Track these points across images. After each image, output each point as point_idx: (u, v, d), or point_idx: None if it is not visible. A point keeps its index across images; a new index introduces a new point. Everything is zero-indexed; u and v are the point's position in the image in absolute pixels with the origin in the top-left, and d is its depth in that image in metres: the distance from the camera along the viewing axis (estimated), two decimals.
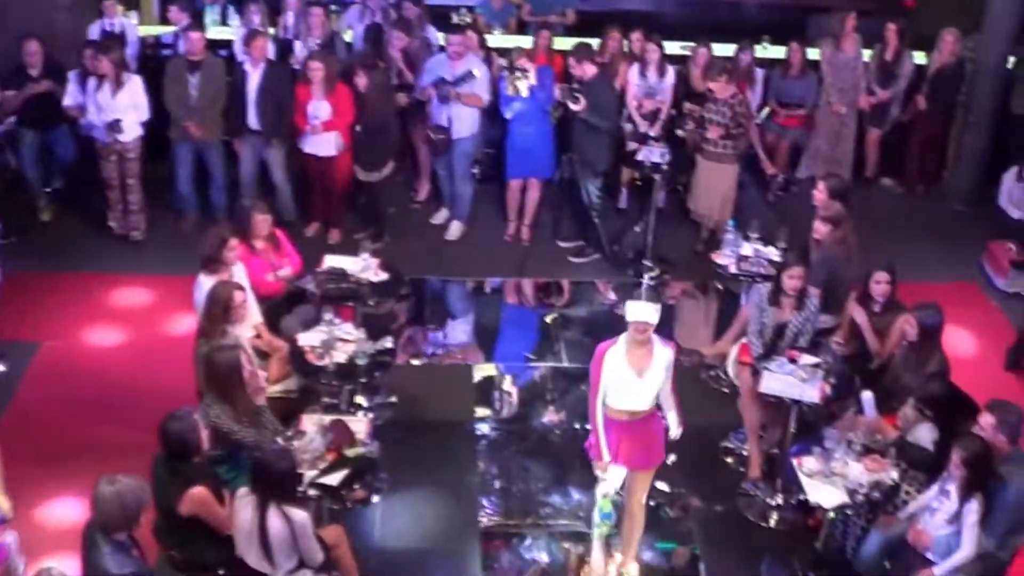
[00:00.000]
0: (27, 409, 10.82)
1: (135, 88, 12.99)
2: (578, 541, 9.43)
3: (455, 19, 14.69)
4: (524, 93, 12.84)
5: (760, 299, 9.86)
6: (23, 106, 13.55)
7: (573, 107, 12.56)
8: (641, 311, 8.42)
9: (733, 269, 11.22)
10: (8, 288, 11.54)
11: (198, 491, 7.69)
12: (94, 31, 14.46)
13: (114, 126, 12.83)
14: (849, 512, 8.69)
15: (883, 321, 9.83)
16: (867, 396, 9.08)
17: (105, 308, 12.34)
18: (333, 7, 15.24)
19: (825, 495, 8.47)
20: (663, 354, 8.53)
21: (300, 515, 7.55)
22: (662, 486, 9.87)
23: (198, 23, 14.50)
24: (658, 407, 8.66)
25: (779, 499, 9.75)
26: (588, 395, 8.60)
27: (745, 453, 10.25)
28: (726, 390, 11.08)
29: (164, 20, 15.63)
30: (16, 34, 13.78)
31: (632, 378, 8.41)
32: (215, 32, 15.31)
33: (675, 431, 8.75)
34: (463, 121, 13.33)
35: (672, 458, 9.56)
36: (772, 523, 9.72)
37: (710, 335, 12.23)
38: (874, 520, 8.68)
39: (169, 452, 7.75)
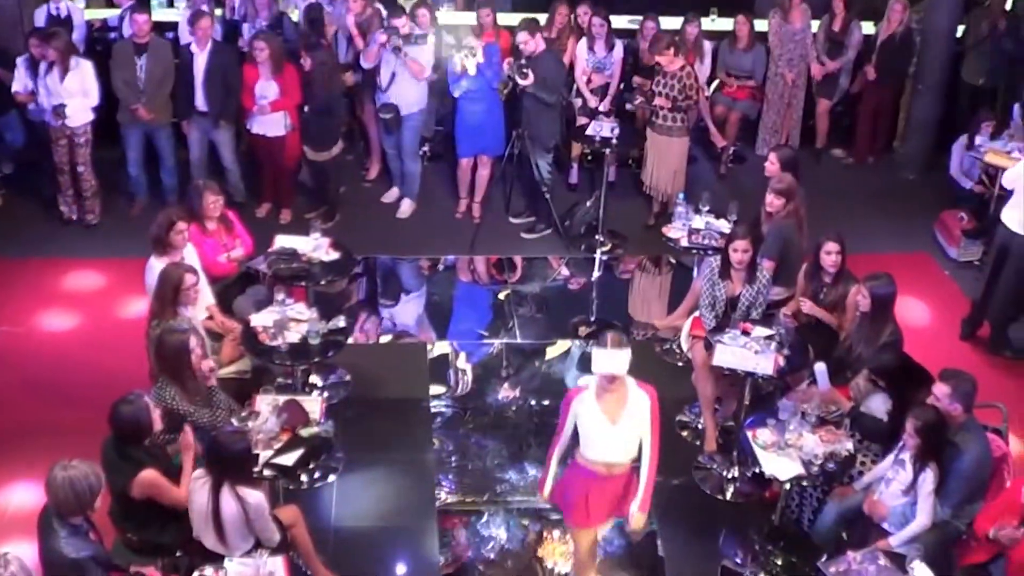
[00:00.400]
0: None
1: (84, 73, 12.88)
2: (535, 517, 9.46)
3: None
4: (472, 71, 12.80)
5: (711, 272, 9.87)
6: None
7: (521, 82, 12.53)
8: (608, 362, 7.59)
9: (684, 242, 11.21)
10: None
11: (148, 474, 7.68)
12: (40, 16, 14.30)
13: (59, 111, 12.71)
14: (805, 483, 8.70)
15: (834, 292, 9.85)
16: (820, 367, 9.07)
17: (57, 293, 12.27)
18: None
19: (780, 467, 8.45)
20: (640, 400, 7.84)
21: (256, 495, 7.53)
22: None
23: (144, 5, 14.33)
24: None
25: (735, 472, 9.79)
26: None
27: (700, 427, 10.29)
28: (680, 364, 11.09)
29: (110, 3, 15.48)
30: None
31: (605, 425, 7.75)
32: (161, 14, 15.21)
33: (635, 512, 7.98)
34: (411, 98, 13.27)
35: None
36: (728, 496, 9.75)
37: (663, 309, 12.24)
38: (830, 491, 8.74)
39: (120, 435, 7.73)
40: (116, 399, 7.82)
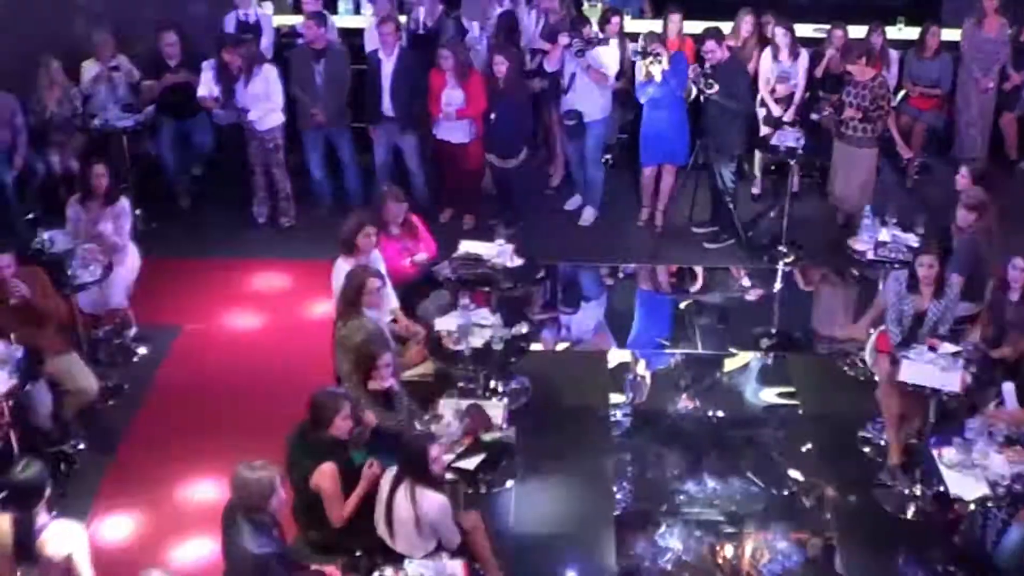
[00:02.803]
0: (168, 392, 11.07)
1: (268, 78, 13.16)
2: (712, 530, 9.39)
3: (586, 5, 14.65)
4: (657, 78, 12.75)
5: (899, 286, 9.74)
6: (161, 96, 13.82)
7: (707, 92, 12.48)
8: None
9: (871, 255, 11.07)
10: (149, 273, 11.80)
11: (328, 467, 7.84)
12: (229, 22, 14.64)
13: (243, 114, 13.04)
14: (990, 504, 8.49)
15: (1021, 311, 9.66)
16: (1008, 387, 8.90)
17: (244, 293, 12.56)
18: None
19: (965, 487, 8.29)
20: None
21: (439, 498, 7.62)
22: (796, 475, 9.86)
23: (331, 11, 14.59)
24: None
25: (917, 490, 9.60)
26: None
27: (883, 443, 10.10)
28: (862, 378, 10.94)
29: (298, 9, 15.76)
30: (154, 25, 14.04)
31: None
32: (348, 20, 15.45)
33: None
34: (595, 104, 13.30)
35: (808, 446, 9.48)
36: (910, 515, 9.55)
37: (846, 322, 12.06)
38: (1015, 513, 8.54)
39: (312, 420, 7.96)
40: (299, 399, 8.07)
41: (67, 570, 7.25)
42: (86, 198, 11.24)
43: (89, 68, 13.94)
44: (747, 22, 14.11)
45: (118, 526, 9.43)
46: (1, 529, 7.26)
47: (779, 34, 13.75)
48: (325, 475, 7.83)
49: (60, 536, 7.32)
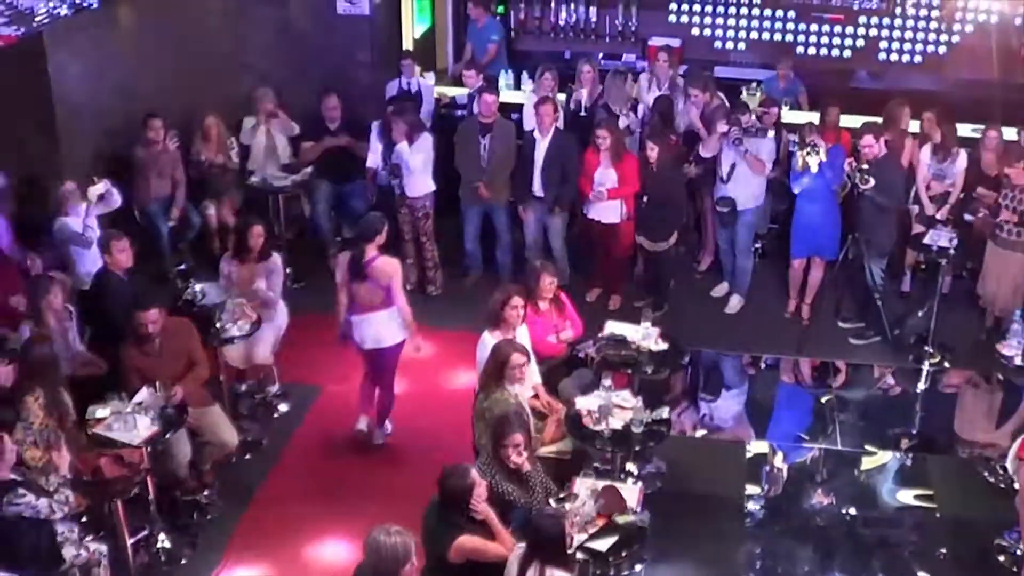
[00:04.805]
0: (305, 450, 11.30)
1: (425, 146, 13.34)
2: None
3: (744, 94, 14.68)
4: (814, 169, 12.70)
5: None
6: (320, 158, 14.09)
7: (863, 187, 12.40)
8: None
9: (1019, 361, 10.93)
10: (295, 332, 12.00)
11: (467, 539, 7.85)
12: (392, 88, 14.92)
13: (395, 170, 13.25)
14: None
15: None
16: None
17: None
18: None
19: None
20: None
21: None
22: None
23: (493, 86, 14.79)
24: None
25: None
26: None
27: (1020, 552, 9.93)
28: (1003, 486, 10.76)
29: (458, 81, 16.00)
30: (317, 88, 14.35)
31: None
32: (507, 96, 15.59)
33: None
34: (748, 193, 13.34)
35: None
36: None
37: (990, 427, 11.93)
38: None
39: (445, 500, 7.95)
40: (436, 466, 8.07)
41: None
42: (240, 253, 11.46)
43: (249, 122, 14.35)
44: (906, 114, 14.01)
45: None
46: None
47: (940, 132, 13.60)
48: (467, 549, 7.86)
49: None
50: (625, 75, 14.74)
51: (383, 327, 10.93)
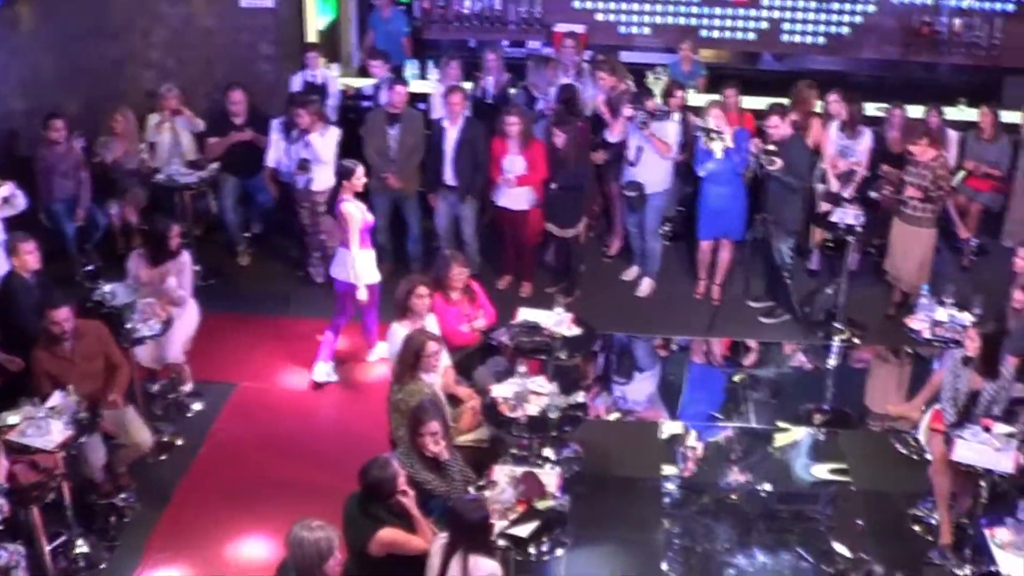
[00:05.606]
0: (220, 449, 11.19)
1: (329, 140, 13.32)
2: None
3: (650, 77, 14.74)
4: (718, 155, 12.78)
5: (954, 365, 9.75)
6: (226, 153, 14.03)
7: (769, 168, 12.51)
8: None
9: (927, 334, 11.09)
10: (206, 330, 11.89)
11: (388, 532, 7.85)
12: (296, 82, 14.87)
13: (303, 164, 13.18)
14: None
15: None
16: None
17: (299, 351, 12.57)
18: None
19: (1017, 567, 8.30)
20: None
21: (491, 564, 7.59)
22: (846, 551, 9.84)
23: (398, 77, 14.78)
24: None
25: (968, 570, 9.57)
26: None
27: (934, 522, 10.08)
28: (915, 456, 10.94)
29: (363, 72, 15.96)
30: (221, 84, 14.28)
31: None
32: (414, 86, 15.53)
33: None
34: (656, 177, 13.40)
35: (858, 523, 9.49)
36: None
37: (900, 400, 12.04)
38: None
39: (366, 492, 7.93)
40: (353, 459, 8.09)
41: None
42: (158, 255, 11.33)
43: (154, 119, 14.23)
44: (814, 95, 14.19)
45: None
46: None
47: (844, 111, 13.76)
48: (387, 541, 7.85)
49: None
50: (547, 60, 14.83)
51: (338, 263, 11.68)
